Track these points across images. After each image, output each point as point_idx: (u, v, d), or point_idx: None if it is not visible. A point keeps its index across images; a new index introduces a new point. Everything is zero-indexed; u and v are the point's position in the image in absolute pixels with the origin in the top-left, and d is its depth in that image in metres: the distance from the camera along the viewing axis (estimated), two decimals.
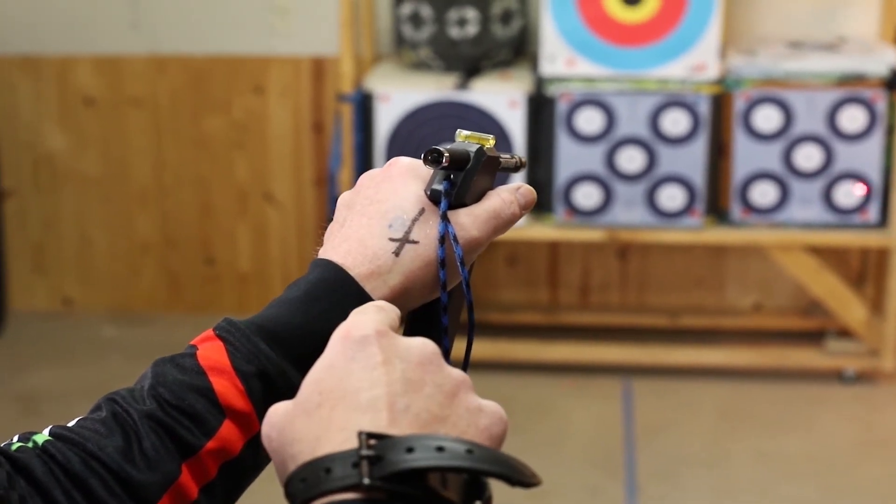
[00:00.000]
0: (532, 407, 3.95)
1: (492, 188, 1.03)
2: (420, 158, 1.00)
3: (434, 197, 0.99)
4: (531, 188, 1.04)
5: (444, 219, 0.98)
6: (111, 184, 4.58)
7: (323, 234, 1.04)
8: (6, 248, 4.61)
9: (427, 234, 0.98)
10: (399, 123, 3.91)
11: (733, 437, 3.80)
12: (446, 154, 0.96)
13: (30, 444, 0.91)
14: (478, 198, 1.01)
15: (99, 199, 4.60)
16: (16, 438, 0.92)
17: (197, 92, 4.48)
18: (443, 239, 0.98)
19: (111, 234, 4.63)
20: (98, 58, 4.49)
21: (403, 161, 1.03)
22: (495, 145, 1.03)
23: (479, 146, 1.00)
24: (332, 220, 1.04)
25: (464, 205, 1.00)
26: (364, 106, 3.94)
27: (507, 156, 1.05)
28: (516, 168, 1.07)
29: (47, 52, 4.49)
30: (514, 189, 1.02)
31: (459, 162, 0.98)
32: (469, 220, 0.99)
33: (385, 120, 3.92)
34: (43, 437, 0.92)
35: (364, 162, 3.97)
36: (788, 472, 3.59)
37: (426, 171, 1.01)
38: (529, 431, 3.79)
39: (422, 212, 0.99)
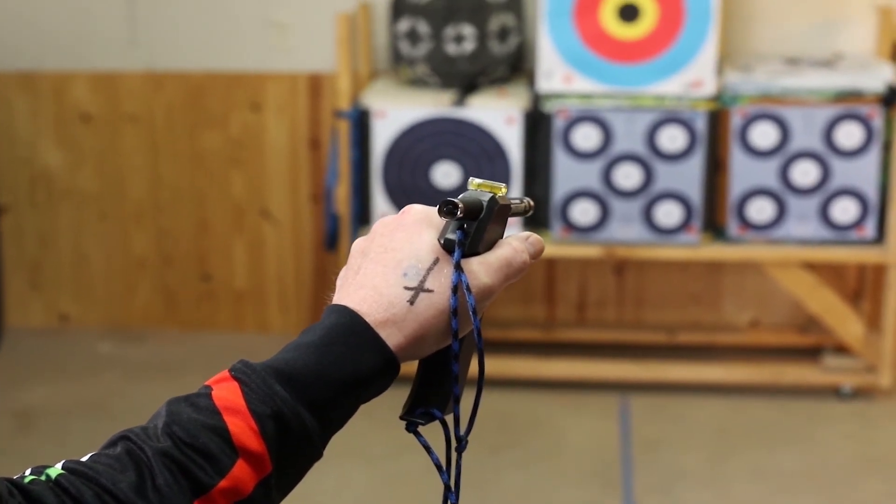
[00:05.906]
0: (529, 423, 3.95)
1: (503, 235, 1.05)
2: (435, 207, 1.02)
3: (448, 246, 1.00)
4: (540, 238, 1.07)
5: (458, 269, 1.00)
6: (107, 200, 4.58)
7: (333, 274, 1.06)
8: (2, 265, 4.60)
9: (441, 283, 1.00)
10: (396, 140, 3.92)
11: (730, 452, 3.79)
12: (461, 206, 0.99)
13: (42, 478, 0.91)
14: (490, 245, 1.03)
15: (95, 215, 4.60)
16: (28, 472, 0.92)
17: (193, 108, 4.48)
18: (456, 288, 0.99)
19: (107, 250, 4.63)
20: (95, 74, 4.49)
21: (417, 209, 1.05)
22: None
23: (491, 195, 1.02)
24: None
25: (477, 253, 1.01)
26: (361, 122, 3.94)
27: (517, 200, 1.08)
28: (526, 212, 1.10)
29: (44, 68, 4.50)
30: (524, 238, 1.05)
31: (473, 212, 1.01)
32: (482, 269, 1.01)
33: (382, 136, 3.92)
34: (56, 470, 0.92)
35: (361, 178, 3.97)
36: (785, 488, 3.59)
37: (439, 219, 1.02)
38: (527, 447, 3.79)
39: (436, 261, 1.00)
